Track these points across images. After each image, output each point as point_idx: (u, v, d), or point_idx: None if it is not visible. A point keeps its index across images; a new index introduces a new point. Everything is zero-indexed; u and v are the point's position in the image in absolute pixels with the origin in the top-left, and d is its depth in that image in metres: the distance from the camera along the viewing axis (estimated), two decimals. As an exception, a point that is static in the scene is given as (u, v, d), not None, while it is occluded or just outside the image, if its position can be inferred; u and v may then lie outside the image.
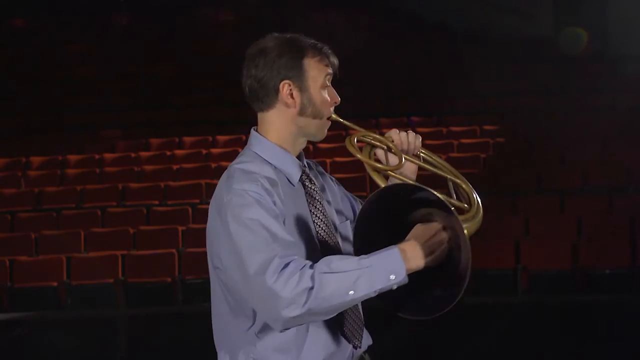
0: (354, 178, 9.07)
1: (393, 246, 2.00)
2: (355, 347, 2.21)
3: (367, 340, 2.28)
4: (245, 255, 1.99)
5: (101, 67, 14.04)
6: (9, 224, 9.22)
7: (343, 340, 2.19)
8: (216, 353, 2.22)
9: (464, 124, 11.50)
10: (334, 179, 2.45)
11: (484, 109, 11.98)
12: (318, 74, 2.19)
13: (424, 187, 2.06)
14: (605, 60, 13.06)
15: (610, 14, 13.36)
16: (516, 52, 13.48)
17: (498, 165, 10.12)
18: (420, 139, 2.32)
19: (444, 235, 2.04)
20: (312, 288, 1.93)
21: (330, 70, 2.22)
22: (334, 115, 2.24)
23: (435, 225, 2.05)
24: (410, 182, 2.22)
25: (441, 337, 6.80)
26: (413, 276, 2.00)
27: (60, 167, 10.73)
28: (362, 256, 2.00)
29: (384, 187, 2.12)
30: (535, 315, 7.29)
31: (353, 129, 2.29)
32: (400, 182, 2.21)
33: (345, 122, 2.26)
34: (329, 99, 2.22)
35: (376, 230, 2.11)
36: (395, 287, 1.98)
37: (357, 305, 2.22)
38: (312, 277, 1.94)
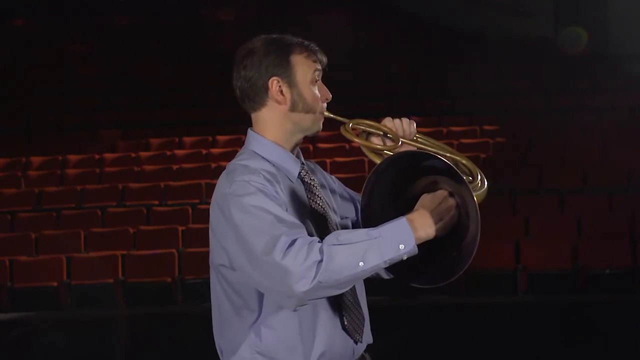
0: (354, 178, 9.05)
1: (401, 217, 2.01)
2: (355, 342, 2.21)
3: (367, 338, 2.28)
4: (251, 238, 2.00)
5: (101, 67, 14.03)
6: (9, 224, 9.21)
7: (344, 334, 2.19)
8: (216, 353, 2.22)
9: (464, 124, 11.49)
10: (333, 177, 2.45)
11: (484, 109, 11.96)
12: (307, 70, 2.20)
13: (430, 153, 2.07)
14: (605, 60, 13.05)
15: (610, 14, 13.34)
16: (516, 52, 13.48)
17: (498, 165, 10.10)
18: (415, 125, 2.33)
19: (452, 202, 2.05)
20: (321, 261, 1.94)
21: (318, 66, 2.23)
22: (326, 112, 2.25)
23: (442, 193, 2.05)
24: (414, 150, 2.21)
25: (441, 337, 6.80)
26: (422, 245, 2.01)
27: (60, 167, 10.72)
28: (370, 228, 2.00)
29: (387, 158, 2.11)
30: (535, 315, 7.28)
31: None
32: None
33: (338, 118, 2.26)
34: (319, 94, 2.22)
35: (382, 204, 2.12)
36: (405, 257, 1.99)
37: (359, 300, 2.23)
38: (321, 250, 1.96)
